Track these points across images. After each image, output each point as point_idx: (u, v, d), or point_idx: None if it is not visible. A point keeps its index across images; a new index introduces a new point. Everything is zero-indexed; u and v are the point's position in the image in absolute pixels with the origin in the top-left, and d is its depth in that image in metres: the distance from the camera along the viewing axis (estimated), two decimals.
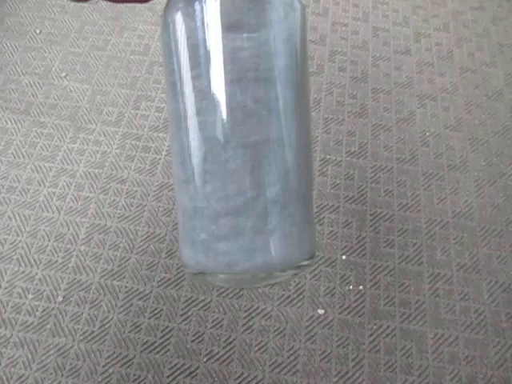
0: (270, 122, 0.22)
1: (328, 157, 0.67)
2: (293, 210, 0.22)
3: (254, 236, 0.21)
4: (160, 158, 0.66)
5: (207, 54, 0.21)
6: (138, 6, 0.81)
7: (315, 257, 0.25)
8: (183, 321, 0.54)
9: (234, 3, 0.21)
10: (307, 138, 0.24)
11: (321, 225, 0.61)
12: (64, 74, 0.73)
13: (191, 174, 0.23)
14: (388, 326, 0.55)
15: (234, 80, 0.21)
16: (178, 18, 0.22)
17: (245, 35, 0.21)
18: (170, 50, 0.23)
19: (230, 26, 0.21)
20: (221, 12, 0.21)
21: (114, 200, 0.62)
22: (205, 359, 0.52)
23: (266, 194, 0.22)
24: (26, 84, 0.72)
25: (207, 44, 0.21)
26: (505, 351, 0.54)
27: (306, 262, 0.23)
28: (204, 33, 0.21)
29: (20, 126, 0.68)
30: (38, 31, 0.78)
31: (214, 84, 0.21)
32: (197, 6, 0.21)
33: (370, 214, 0.62)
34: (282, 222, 0.22)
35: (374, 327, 0.55)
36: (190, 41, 0.22)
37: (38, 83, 0.72)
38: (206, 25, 0.21)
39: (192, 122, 0.22)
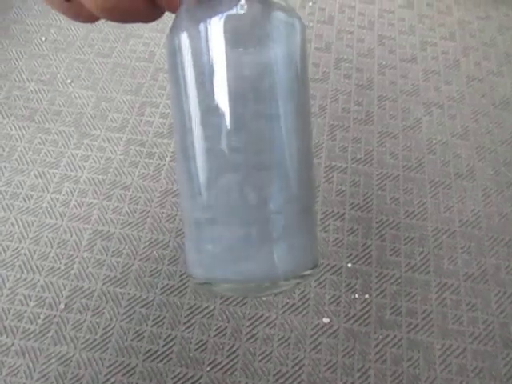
0: (273, 136, 0.22)
1: (333, 163, 0.66)
2: (296, 221, 0.23)
3: (258, 246, 0.22)
4: (164, 164, 0.65)
5: (212, 71, 0.22)
6: None
7: (319, 266, 0.25)
8: (186, 329, 0.54)
9: (237, 24, 0.21)
10: (308, 150, 0.25)
11: (326, 232, 0.60)
12: (69, 81, 0.73)
13: (197, 187, 0.23)
14: (395, 336, 0.54)
15: (238, 96, 0.22)
16: (184, 38, 0.22)
17: (248, 53, 0.22)
18: (176, 71, 0.23)
19: (234, 45, 0.21)
20: (224, 32, 0.21)
21: (118, 206, 0.62)
22: (208, 368, 0.51)
23: (269, 206, 0.22)
24: (31, 91, 0.72)
25: (212, 62, 0.22)
26: None
27: (309, 272, 0.24)
28: (209, 52, 0.22)
29: (24, 132, 0.68)
30: (43, 38, 0.78)
31: (218, 100, 0.22)
32: (201, 27, 0.22)
33: (376, 222, 0.62)
34: (286, 233, 0.22)
35: (380, 337, 0.54)
36: (195, 61, 0.22)
37: (43, 90, 0.72)
38: (210, 44, 0.22)
39: (197, 136, 0.23)
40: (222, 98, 0.22)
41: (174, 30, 0.23)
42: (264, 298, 0.55)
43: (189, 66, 0.23)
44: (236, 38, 0.21)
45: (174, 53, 0.23)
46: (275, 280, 0.22)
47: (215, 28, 0.21)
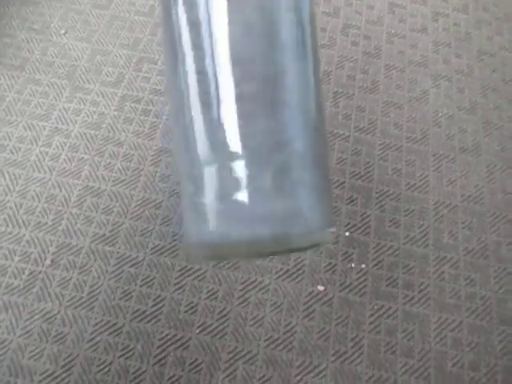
0: (284, 91, 0.21)
1: (336, 131, 0.64)
2: (308, 178, 0.21)
3: (267, 203, 0.20)
4: (160, 122, 0.63)
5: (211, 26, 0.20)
6: None
7: (332, 226, 0.23)
8: (176, 290, 0.52)
9: None
10: (319, 101, 0.23)
11: None
12: (63, 31, 0.70)
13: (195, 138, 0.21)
14: (390, 307, 0.52)
15: (243, 46, 0.20)
16: None
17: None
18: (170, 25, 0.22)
19: None
20: None
21: (110, 163, 0.59)
22: (197, 331, 0.50)
23: (290, 155, 0.20)
24: (22, 39, 0.68)
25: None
26: (510, 340, 0.52)
27: (322, 231, 0.22)
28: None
29: (14, 82, 0.65)
30: None
31: (221, 52, 0.20)
32: None
33: (376, 192, 0.60)
34: (299, 188, 0.21)
35: (376, 307, 0.52)
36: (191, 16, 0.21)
37: (35, 39, 0.69)
38: None
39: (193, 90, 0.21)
40: (223, 51, 0.20)
41: None
42: (267, 260, 0.54)
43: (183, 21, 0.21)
44: None
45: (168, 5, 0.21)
46: (284, 239, 0.20)
47: None
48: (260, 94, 0.20)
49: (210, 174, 0.21)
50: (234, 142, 0.20)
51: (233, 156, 0.20)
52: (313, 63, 0.23)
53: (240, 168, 0.20)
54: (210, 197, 0.21)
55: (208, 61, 0.21)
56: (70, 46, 0.68)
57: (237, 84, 0.20)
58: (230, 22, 0.20)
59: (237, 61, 0.20)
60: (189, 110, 0.21)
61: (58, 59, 0.67)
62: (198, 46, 0.21)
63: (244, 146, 0.20)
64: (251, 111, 0.20)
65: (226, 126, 0.20)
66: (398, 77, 0.70)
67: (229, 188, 0.20)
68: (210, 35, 0.20)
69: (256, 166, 0.20)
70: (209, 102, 0.21)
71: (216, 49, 0.20)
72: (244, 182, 0.20)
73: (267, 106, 0.20)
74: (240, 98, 0.20)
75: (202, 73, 0.21)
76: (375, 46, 0.73)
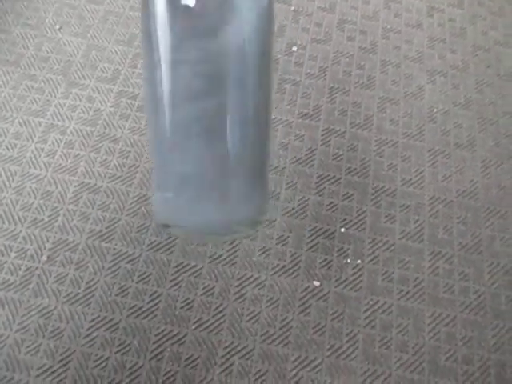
0: (233, 80, 0.23)
1: (331, 127, 0.64)
2: (249, 166, 0.24)
3: (211, 187, 0.23)
4: None
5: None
6: None
7: (265, 214, 0.26)
8: (172, 286, 0.52)
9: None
10: (267, 83, 0.25)
11: (320, 196, 0.59)
12: (58, 27, 0.69)
13: (159, 125, 0.24)
14: (385, 302, 0.53)
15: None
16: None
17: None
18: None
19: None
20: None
21: (106, 159, 0.59)
22: (193, 327, 0.50)
23: (227, 149, 0.23)
24: (16, 35, 0.68)
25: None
26: (503, 334, 0.52)
27: (259, 217, 0.25)
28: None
29: (9, 78, 0.65)
30: None
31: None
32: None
33: (372, 188, 0.60)
34: (237, 175, 0.23)
35: (371, 302, 0.53)
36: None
37: (30, 34, 0.68)
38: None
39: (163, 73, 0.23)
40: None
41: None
42: (225, 245, 0.54)
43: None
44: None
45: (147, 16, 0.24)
46: (226, 223, 0.23)
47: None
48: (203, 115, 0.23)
49: (159, 173, 0.25)
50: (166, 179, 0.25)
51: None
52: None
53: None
54: (165, 191, 0.25)
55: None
56: (65, 42, 0.68)
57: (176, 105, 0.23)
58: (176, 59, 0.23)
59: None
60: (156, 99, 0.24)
61: (53, 55, 0.67)
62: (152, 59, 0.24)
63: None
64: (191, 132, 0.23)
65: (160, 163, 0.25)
66: (393, 72, 0.70)
67: (172, 182, 0.24)
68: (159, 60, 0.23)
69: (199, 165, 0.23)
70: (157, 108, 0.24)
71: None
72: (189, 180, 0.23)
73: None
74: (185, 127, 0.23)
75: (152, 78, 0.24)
76: (371, 41, 0.73)
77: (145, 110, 0.26)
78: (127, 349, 0.49)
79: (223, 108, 0.22)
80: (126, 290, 0.52)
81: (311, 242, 0.56)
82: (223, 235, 0.24)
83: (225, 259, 0.54)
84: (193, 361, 0.49)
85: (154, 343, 0.49)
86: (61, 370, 0.48)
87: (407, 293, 0.54)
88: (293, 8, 0.75)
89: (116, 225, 0.55)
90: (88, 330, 0.50)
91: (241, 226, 0.24)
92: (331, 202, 0.58)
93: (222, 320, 0.51)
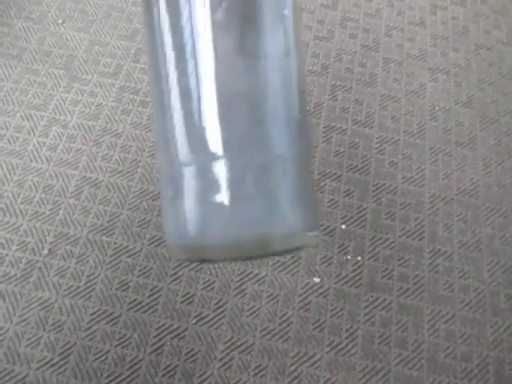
0: (266, 92, 0.21)
1: (333, 124, 0.64)
2: (290, 180, 0.21)
3: (249, 206, 0.20)
4: None
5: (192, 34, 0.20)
6: None
7: (317, 229, 0.23)
8: (173, 281, 0.52)
9: None
10: (304, 113, 0.23)
11: (321, 192, 0.59)
12: (61, 21, 0.69)
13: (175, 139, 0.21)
14: (385, 299, 0.53)
15: (222, 54, 0.20)
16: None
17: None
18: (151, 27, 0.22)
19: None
20: None
21: (108, 154, 0.59)
22: (194, 321, 0.50)
23: (271, 157, 0.20)
24: (19, 28, 0.68)
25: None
26: (502, 332, 0.52)
27: (307, 234, 0.22)
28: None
29: (11, 71, 0.65)
30: None
31: (200, 58, 0.20)
32: None
33: (373, 185, 0.60)
34: (282, 189, 0.21)
35: (370, 299, 0.53)
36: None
37: (33, 28, 0.68)
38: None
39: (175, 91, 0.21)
40: (205, 57, 0.20)
41: None
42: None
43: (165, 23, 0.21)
44: None
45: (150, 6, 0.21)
46: (267, 241, 0.20)
47: None
48: (242, 98, 0.20)
49: (189, 175, 0.20)
50: (215, 143, 0.20)
51: (213, 157, 0.20)
52: (297, 71, 0.23)
53: (220, 169, 0.20)
54: (189, 199, 0.20)
55: (190, 66, 0.20)
56: (68, 36, 0.68)
57: (219, 89, 0.20)
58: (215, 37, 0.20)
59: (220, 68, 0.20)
60: (170, 110, 0.21)
61: (55, 49, 0.67)
62: (180, 49, 0.21)
63: (224, 148, 0.20)
64: (233, 114, 0.20)
65: (206, 127, 0.20)
66: (395, 70, 0.70)
67: (208, 190, 0.20)
68: (193, 42, 0.20)
69: (236, 168, 0.20)
70: (189, 103, 0.20)
71: (199, 55, 0.20)
72: (224, 183, 0.20)
73: (249, 110, 0.20)
74: (222, 100, 0.20)
75: (183, 75, 0.21)
76: (373, 39, 0.73)
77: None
78: (127, 342, 0.49)
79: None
80: (126, 283, 0.52)
81: None
82: (257, 257, 0.22)
83: (214, 265, 0.54)
84: (193, 355, 0.49)
85: (154, 337, 0.49)
86: (61, 363, 0.48)
87: (407, 290, 0.54)
88: None
89: (117, 219, 0.55)
90: (88, 323, 0.50)
91: (283, 246, 0.21)
92: (332, 199, 0.59)
93: (222, 315, 0.51)
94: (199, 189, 0.20)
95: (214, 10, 0.20)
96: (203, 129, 0.20)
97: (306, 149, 0.23)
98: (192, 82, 0.20)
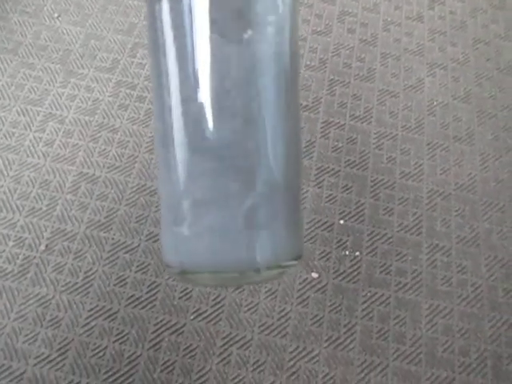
0: (259, 122, 0.21)
1: (331, 119, 0.64)
2: (280, 209, 0.22)
3: (239, 233, 0.21)
4: None
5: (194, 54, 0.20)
6: None
7: (301, 258, 0.24)
8: (171, 276, 0.52)
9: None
10: (297, 139, 0.23)
11: (320, 188, 0.59)
12: (56, 15, 0.69)
13: (175, 166, 0.22)
14: (383, 294, 0.53)
15: (222, 83, 0.20)
16: (165, 7, 0.20)
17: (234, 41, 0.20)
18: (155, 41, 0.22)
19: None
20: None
21: (105, 149, 0.59)
22: (192, 317, 0.50)
23: (252, 193, 0.21)
24: (14, 22, 0.67)
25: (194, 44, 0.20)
26: (500, 326, 0.53)
27: (291, 263, 0.22)
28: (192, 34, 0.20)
29: (7, 65, 0.64)
30: None
31: (201, 89, 0.20)
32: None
33: (371, 181, 0.60)
34: (268, 221, 0.21)
35: (369, 294, 0.53)
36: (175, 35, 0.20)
37: (28, 22, 0.68)
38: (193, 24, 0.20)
39: (177, 112, 0.21)
40: (204, 86, 0.20)
41: None
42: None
43: (169, 37, 0.20)
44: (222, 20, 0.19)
45: (153, 19, 0.21)
46: (255, 268, 0.21)
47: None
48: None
49: (185, 207, 0.21)
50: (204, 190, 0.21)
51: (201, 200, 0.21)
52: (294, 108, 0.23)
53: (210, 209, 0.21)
54: (182, 227, 0.22)
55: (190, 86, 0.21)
56: (64, 30, 0.67)
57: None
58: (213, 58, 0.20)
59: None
60: (172, 142, 0.22)
61: (51, 43, 0.66)
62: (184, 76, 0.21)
63: (213, 193, 0.21)
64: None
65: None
66: (393, 65, 0.70)
67: (199, 220, 0.21)
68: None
69: (225, 211, 0.21)
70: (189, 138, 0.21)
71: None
72: (213, 218, 0.21)
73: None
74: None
75: (187, 100, 0.21)
76: (371, 33, 0.73)
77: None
78: (125, 338, 0.49)
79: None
80: (124, 279, 0.52)
81: (310, 233, 0.56)
82: (250, 279, 0.22)
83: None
84: (191, 351, 0.49)
85: (153, 333, 0.49)
86: (59, 359, 0.48)
87: (405, 285, 0.54)
88: None
89: (115, 215, 0.55)
90: (86, 319, 0.50)
91: (273, 269, 0.22)
92: (330, 194, 0.58)
93: (220, 310, 0.51)
94: (190, 219, 0.22)
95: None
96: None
97: (295, 177, 0.23)
98: (191, 118, 0.21)
